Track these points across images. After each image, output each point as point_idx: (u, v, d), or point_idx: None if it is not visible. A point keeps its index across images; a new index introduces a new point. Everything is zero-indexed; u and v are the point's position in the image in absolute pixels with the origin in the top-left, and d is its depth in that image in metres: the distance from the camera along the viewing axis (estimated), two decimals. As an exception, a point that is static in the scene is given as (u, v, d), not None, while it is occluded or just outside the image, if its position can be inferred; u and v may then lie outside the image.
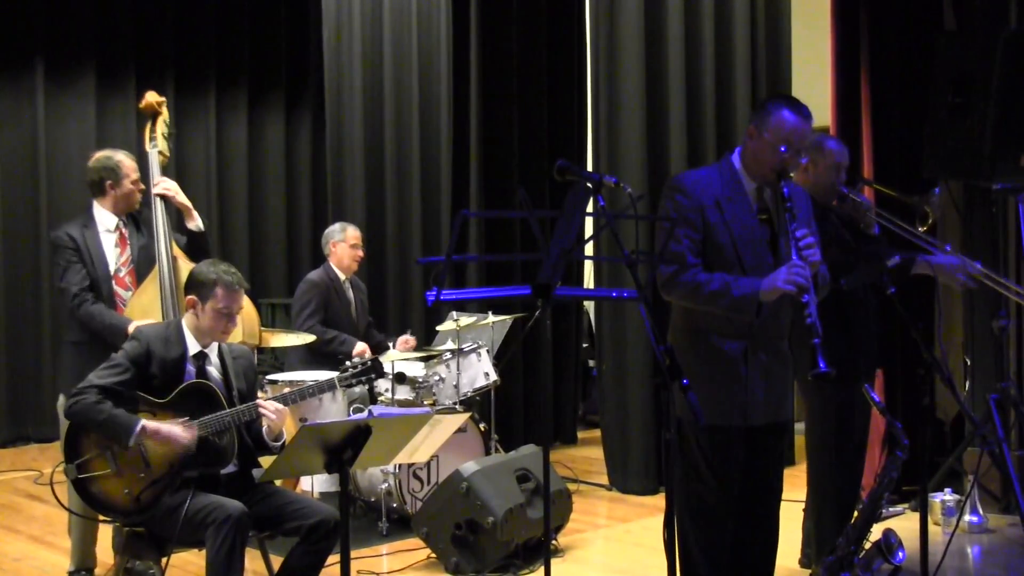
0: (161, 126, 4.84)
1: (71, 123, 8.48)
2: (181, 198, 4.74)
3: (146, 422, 3.62)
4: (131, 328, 4.36)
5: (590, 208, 2.97)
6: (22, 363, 8.26)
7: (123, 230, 4.70)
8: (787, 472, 3.79)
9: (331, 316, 6.28)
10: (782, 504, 3.76)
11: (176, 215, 4.87)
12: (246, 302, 4.71)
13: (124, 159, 4.73)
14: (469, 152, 7.30)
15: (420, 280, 7.43)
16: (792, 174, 4.38)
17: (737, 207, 3.52)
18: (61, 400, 4.52)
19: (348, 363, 3.98)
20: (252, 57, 9.55)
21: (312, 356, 6.15)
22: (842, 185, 4.35)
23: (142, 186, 4.73)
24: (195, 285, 3.83)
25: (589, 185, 2.94)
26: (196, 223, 4.79)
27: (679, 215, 3.48)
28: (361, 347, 6.22)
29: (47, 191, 8.26)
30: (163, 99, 4.90)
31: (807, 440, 4.43)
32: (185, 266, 4.49)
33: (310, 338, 5.99)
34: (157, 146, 4.81)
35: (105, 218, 4.69)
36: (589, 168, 6.82)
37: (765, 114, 3.51)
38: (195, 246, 4.78)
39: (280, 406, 3.78)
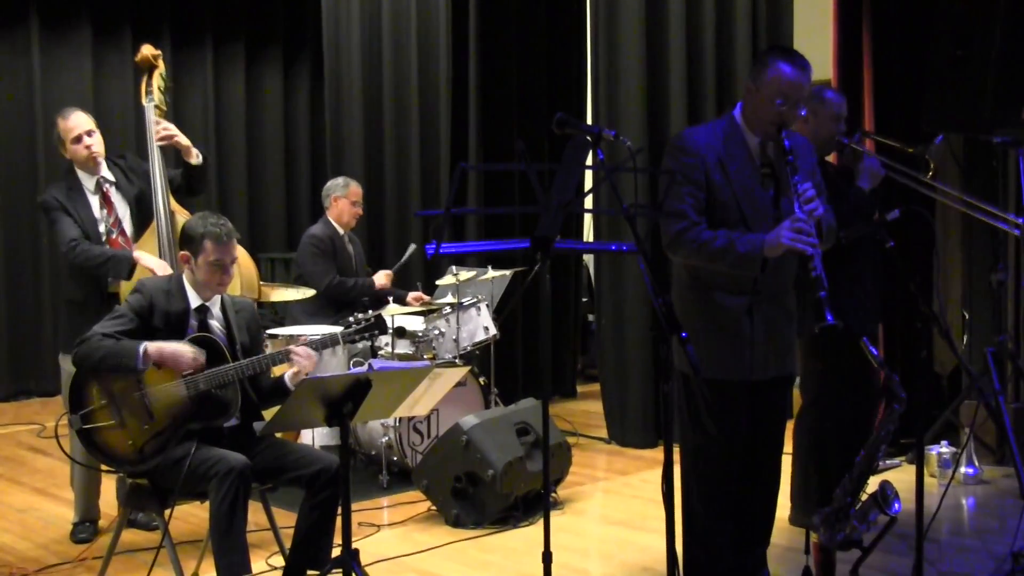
0: (157, 79, 4.76)
1: (67, 78, 8.43)
2: (181, 139, 4.68)
3: (148, 343, 3.62)
4: (136, 255, 4.37)
5: (589, 161, 2.96)
6: (23, 317, 8.28)
7: (105, 188, 4.64)
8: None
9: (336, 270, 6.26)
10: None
11: (174, 155, 4.81)
12: (244, 256, 4.69)
13: (60, 121, 4.61)
14: (468, 105, 7.26)
15: (419, 233, 7.43)
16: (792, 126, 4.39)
17: (739, 164, 3.49)
18: (61, 357, 4.54)
19: (352, 318, 3.98)
20: (250, 10, 9.46)
21: (317, 309, 6.15)
22: (842, 136, 4.34)
23: (89, 141, 4.58)
24: (186, 240, 3.82)
25: (588, 138, 2.92)
26: (196, 158, 4.72)
27: (683, 174, 3.46)
28: (380, 279, 6.27)
29: (44, 147, 8.20)
30: (159, 52, 4.81)
31: (802, 395, 4.46)
32: (183, 219, 4.46)
33: (310, 292, 5.99)
34: (153, 100, 4.73)
35: (85, 179, 4.63)
36: (588, 121, 6.79)
37: (761, 67, 3.46)
38: (195, 178, 4.75)
39: (311, 351, 3.79)
